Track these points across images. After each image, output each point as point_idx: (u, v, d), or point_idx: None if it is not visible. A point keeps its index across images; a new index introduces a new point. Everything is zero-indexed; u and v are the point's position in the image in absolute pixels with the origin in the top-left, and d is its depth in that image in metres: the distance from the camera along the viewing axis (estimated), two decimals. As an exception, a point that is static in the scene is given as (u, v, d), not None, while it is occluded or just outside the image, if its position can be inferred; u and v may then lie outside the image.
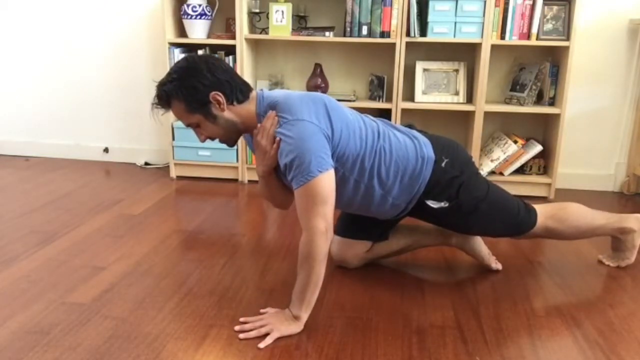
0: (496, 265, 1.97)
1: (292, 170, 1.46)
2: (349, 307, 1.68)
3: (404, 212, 1.76)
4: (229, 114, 1.57)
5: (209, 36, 2.99)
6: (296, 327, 1.51)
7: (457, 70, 2.91)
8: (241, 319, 1.57)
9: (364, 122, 1.65)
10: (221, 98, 1.54)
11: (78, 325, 1.54)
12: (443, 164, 1.69)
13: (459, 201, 1.71)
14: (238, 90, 1.57)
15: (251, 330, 1.50)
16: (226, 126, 1.58)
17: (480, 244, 1.97)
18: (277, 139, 1.50)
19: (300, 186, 1.45)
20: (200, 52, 2.91)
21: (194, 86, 1.51)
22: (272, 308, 1.61)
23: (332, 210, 1.48)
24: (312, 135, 1.47)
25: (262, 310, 1.61)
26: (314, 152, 1.45)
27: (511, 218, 1.80)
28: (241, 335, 1.49)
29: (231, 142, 1.65)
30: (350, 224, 1.91)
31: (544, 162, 2.94)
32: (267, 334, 1.48)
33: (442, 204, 1.71)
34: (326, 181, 1.46)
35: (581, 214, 1.90)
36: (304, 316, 1.52)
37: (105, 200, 2.67)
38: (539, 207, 1.85)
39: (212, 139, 1.62)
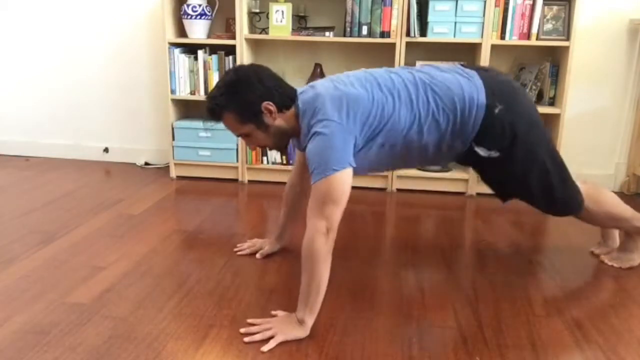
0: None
1: (313, 165, 1.51)
2: (349, 307, 1.68)
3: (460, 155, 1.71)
4: (279, 121, 1.62)
5: (209, 36, 2.99)
6: (301, 332, 1.49)
7: (457, 70, 2.91)
8: (249, 320, 1.56)
9: (403, 81, 1.61)
10: (272, 107, 1.58)
11: (78, 325, 1.54)
12: (496, 111, 1.60)
13: (511, 154, 1.62)
14: (286, 97, 1.61)
15: (257, 333, 1.50)
16: (277, 133, 1.63)
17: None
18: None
19: (316, 181, 1.49)
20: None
21: (246, 98, 1.56)
22: (282, 311, 1.60)
23: (339, 213, 1.49)
24: (336, 135, 1.50)
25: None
26: (334, 151, 1.49)
27: (563, 190, 1.70)
28: (246, 339, 1.48)
29: (282, 148, 1.71)
30: None
31: (544, 162, 2.93)
32: (271, 337, 1.47)
33: (492, 153, 1.63)
34: (341, 180, 1.48)
35: (615, 201, 1.87)
36: (309, 320, 1.50)
37: (105, 200, 2.67)
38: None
39: (262, 147, 1.71)
